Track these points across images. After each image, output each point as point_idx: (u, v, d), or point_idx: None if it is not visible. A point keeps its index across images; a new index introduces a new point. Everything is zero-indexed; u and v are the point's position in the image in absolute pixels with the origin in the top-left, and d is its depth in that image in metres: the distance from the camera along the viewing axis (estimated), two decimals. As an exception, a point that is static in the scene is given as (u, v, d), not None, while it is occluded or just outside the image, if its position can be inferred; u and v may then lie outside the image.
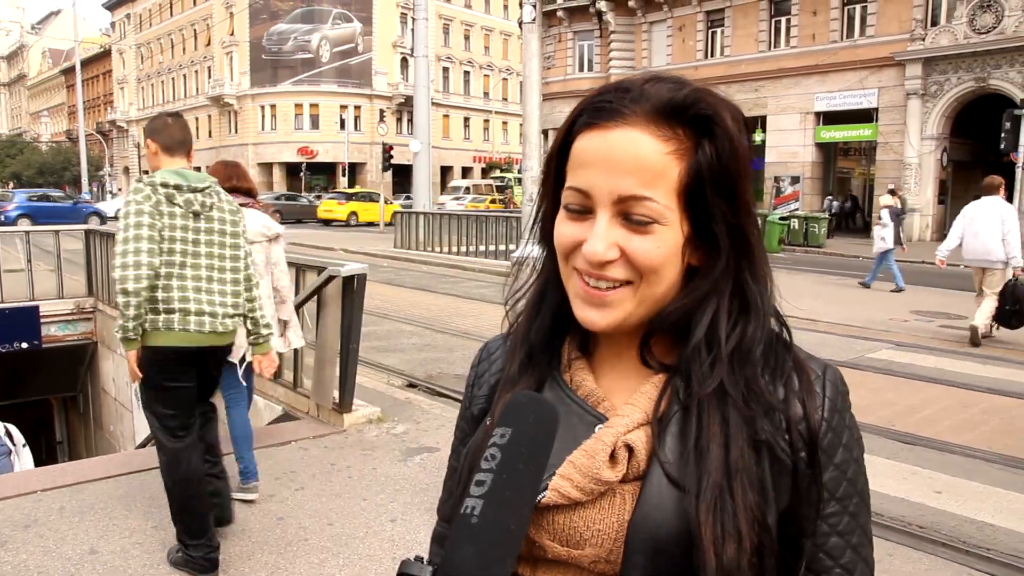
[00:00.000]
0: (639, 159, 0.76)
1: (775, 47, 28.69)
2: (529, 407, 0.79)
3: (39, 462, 7.66)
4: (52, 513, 3.92)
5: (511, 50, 61.73)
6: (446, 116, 59.42)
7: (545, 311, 0.89)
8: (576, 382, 0.87)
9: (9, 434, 6.72)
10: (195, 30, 61.09)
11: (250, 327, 3.67)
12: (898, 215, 14.30)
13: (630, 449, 0.79)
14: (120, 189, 62.18)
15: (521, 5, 10.49)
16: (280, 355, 4.95)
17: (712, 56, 30.55)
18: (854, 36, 26.59)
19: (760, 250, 0.83)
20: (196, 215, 3.39)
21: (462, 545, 0.74)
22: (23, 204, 30.97)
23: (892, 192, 15.10)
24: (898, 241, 14.14)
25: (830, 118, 27.54)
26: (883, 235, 14.01)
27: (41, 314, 9.76)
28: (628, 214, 0.77)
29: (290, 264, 6.24)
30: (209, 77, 58.78)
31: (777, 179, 28.56)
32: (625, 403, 0.83)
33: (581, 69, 34.48)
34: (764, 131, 28.88)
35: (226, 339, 3.52)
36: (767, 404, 0.79)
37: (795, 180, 28.31)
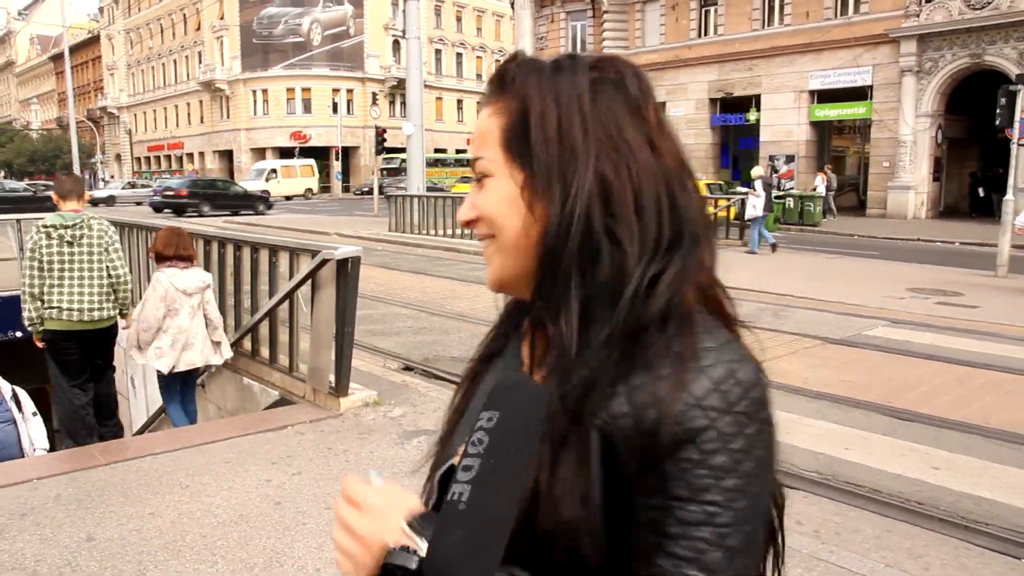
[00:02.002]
0: (477, 128, 0.89)
1: (769, 25, 28.53)
2: (517, 389, 0.78)
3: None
4: (48, 501, 3.90)
5: (503, 31, 61.33)
6: (439, 98, 59.14)
7: None
8: (524, 346, 0.91)
9: (17, 399, 6.52)
10: (184, 14, 60.56)
11: (121, 309, 5.72)
12: (769, 185, 16.32)
13: None
14: (112, 176, 61.86)
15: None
16: (272, 343, 6.27)
17: (706, 35, 30.38)
18: (848, 13, 26.45)
19: (586, 202, 0.79)
20: (69, 243, 5.31)
21: (449, 532, 0.73)
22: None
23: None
24: (768, 208, 16.16)
25: (824, 96, 27.44)
26: (754, 203, 15.69)
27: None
28: (477, 176, 0.87)
29: (284, 248, 6.23)
30: (200, 62, 58.36)
31: (772, 158, 28.49)
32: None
33: (574, 49, 34.26)
34: (759, 110, 28.78)
35: (97, 324, 5.52)
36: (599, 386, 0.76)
37: (790, 159, 28.24)
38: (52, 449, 6.50)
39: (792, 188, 26.13)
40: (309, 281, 5.54)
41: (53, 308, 5.36)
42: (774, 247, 15.99)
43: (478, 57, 63.05)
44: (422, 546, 0.74)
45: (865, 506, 4.09)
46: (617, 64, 0.87)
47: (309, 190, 47.01)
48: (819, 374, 6.70)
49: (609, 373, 0.76)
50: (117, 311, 5.66)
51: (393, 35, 53.97)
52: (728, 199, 19.42)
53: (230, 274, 7.01)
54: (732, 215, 18.75)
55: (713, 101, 30.50)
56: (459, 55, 62.39)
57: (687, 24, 30.69)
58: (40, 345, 5.61)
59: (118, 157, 70.51)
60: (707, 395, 0.73)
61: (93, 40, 75.28)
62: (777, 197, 22.65)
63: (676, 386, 0.73)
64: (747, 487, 0.73)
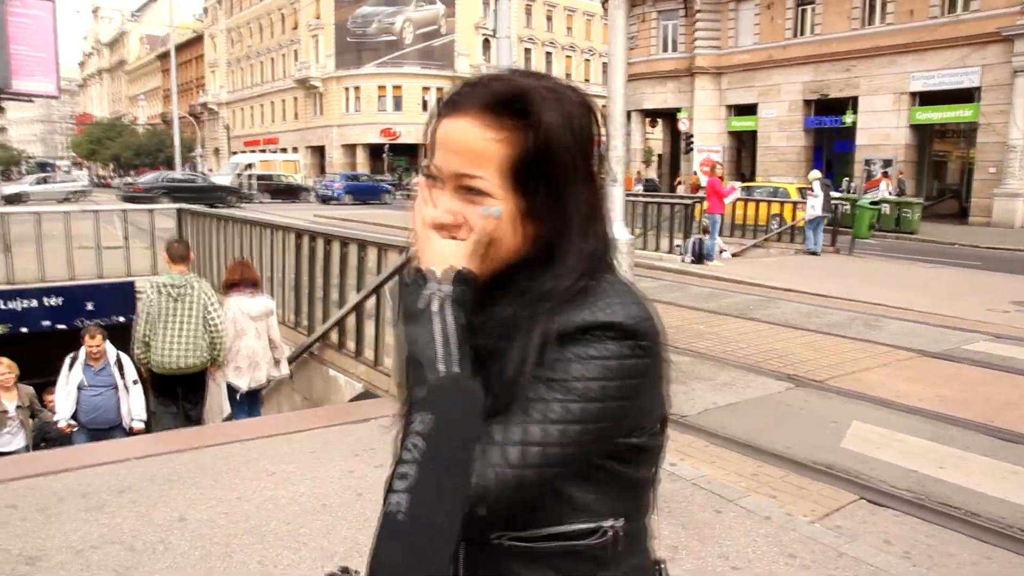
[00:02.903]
0: (465, 143, 0.93)
1: (869, 24, 27.52)
2: (451, 388, 0.75)
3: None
4: (144, 480, 4.07)
5: (594, 31, 61.06)
6: (528, 97, 59.22)
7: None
8: None
9: (120, 364, 6.75)
10: (283, 14, 62.45)
11: (214, 355, 6.28)
12: (828, 186, 16.41)
13: None
14: (211, 169, 64.34)
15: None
16: (359, 336, 6.57)
17: (802, 34, 29.52)
18: (956, 11, 25.27)
19: (588, 222, 0.97)
20: (175, 298, 6.11)
21: (388, 546, 0.70)
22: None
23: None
24: (827, 209, 16.06)
25: (927, 98, 26.29)
26: (813, 204, 15.91)
27: (136, 289, 10.18)
28: (464, 188, 0.94)
29: (372, 244, 6.34)
30: (296, 60, 60.07)
31: (868, 162, 27.50)
32: None
33: (665, 49, 33.83)
34: (855, 112, 27.80)
35: (189, 370, 6.21)
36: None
37: (887, 163, 27.19)
38: (148, 422, 6.81)
39: (889, 193, 25.13)
40: (396, 276, 5.63)
41: (156, 354, 6.18)
42: (813, 253, 16.13)
43: (567, 56, 62.89)
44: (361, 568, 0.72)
45: (961, 529, 3.90)
46: (585, 96, 1.00)
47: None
48: (913, 388, 6.43)
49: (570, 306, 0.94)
50: (209, 358, 6.31)
51: (483, 34, 54.33)
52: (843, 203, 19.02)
53: (320, 268, 7.19)
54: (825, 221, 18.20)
55: (808, 103, 29.62)
56: (548, 54, 62.40)
57: (782, 23, 29.89)
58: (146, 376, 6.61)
59: (216, 151, 73.23)
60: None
61: (197, 39, 78.45)
62: (872, 203, 21.87)
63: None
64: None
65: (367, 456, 4.49)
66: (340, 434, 4.88)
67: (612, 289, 0.96)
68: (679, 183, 33.97)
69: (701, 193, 18.48)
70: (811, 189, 16.39)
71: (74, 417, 6.58)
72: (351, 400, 6.26)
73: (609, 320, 0.91)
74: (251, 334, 6.33)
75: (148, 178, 36.71)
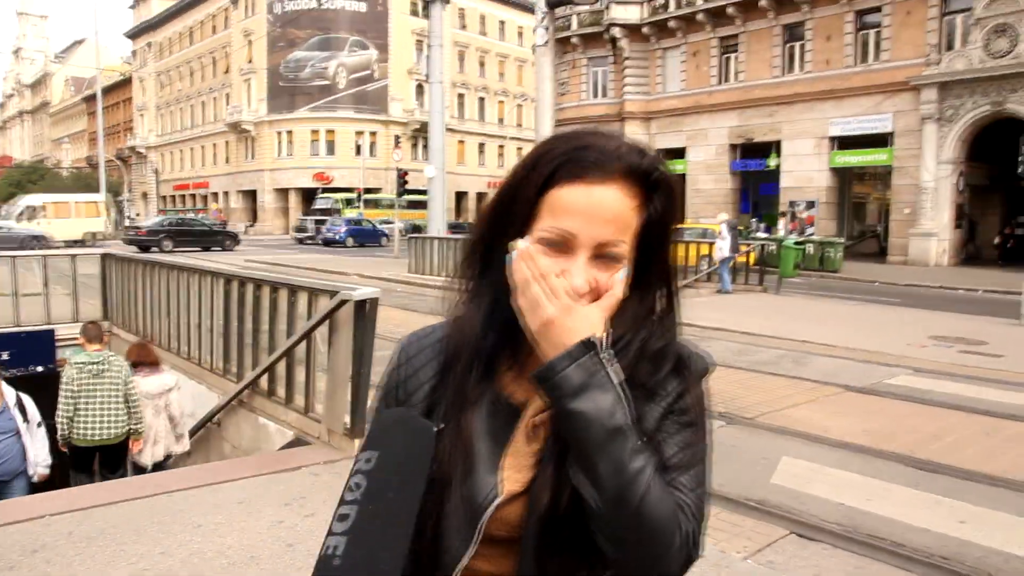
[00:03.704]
0: (617, 212, 0.95)
1: (789, 72, 28.74)
2: (398, 427, 0.75)
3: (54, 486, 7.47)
4: (60, 538, 3.88)
5: (526, 76, 62.12)
6: (461, 142, 59.77)
7: (497, 327, 1.01)
8: (511, 388, 1.01)
9: (22, 406, 6.31)
10: (214, 58, 61.95)
11: (132, 427, 6.61)
12: (734, 228, 17.69)
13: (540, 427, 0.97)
14: (138, 214, 62.81)
15: (535, 30, 10.55)
16: (289, 382, 6.45)
17: (726, 81, 30.63)
18: (868, 61, 26.61)
19: (675, 278, 1.05)
20: (95, 375, 6.46)
21: None
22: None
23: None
24: (735, 250, 17.27)
25: (845, 143, 27.48)
26: (721, 246, 16.90)
27: (56, 337, 9.79)
28: (602, 255, 0.95)
29: (303, 288, 6.25)
30: (227, 104, 59.50)
31: (792, 204, 28.47)
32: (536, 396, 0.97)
33: (595, 95, 34.65)
34: (779, 155, 28.85)
35: (113, 440, 6.51)
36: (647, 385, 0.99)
37: (810, 205, 28.20)
38: (54, 465, 6.45)
39: (812, 234, 26.05)
40: (327, 321, 5.55)
41: (79, 428, 6.47)
42: (726, 292, 16.87)
43: (500, 101, 63.79)
44: None
45: (889, 560, 3.99)
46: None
47: (93, 234, 36.18)
48: (840, 422, 6.60)
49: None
50: (129, 429, 6.64)
51: (417, 79, 54.81)
52: (748, 245, 19.42)
53: (249, 312, 7.04)
54: (752, 260, 18.74)
55: (733, 147, 30.63)
56: (481, 99, 63.14)
57: (707, 71, 30.97)
58: (64, 450, 6.70)
59: (144, 195, 71.63)
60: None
61: (125, 82, 77.13)
62: (796, 243, 22.64)
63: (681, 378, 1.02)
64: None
65: (297, 505, 4.37)
66: (269, 483, 4.75)
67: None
68: None
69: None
70: (720, 232, 17.14)
71: None
72: (281, 448, 6.10)
73: (710, 363, 1.04)
74: (149, 412, 6.78)
75: (152, 222, 37.12)
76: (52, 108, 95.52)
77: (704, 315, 12.44)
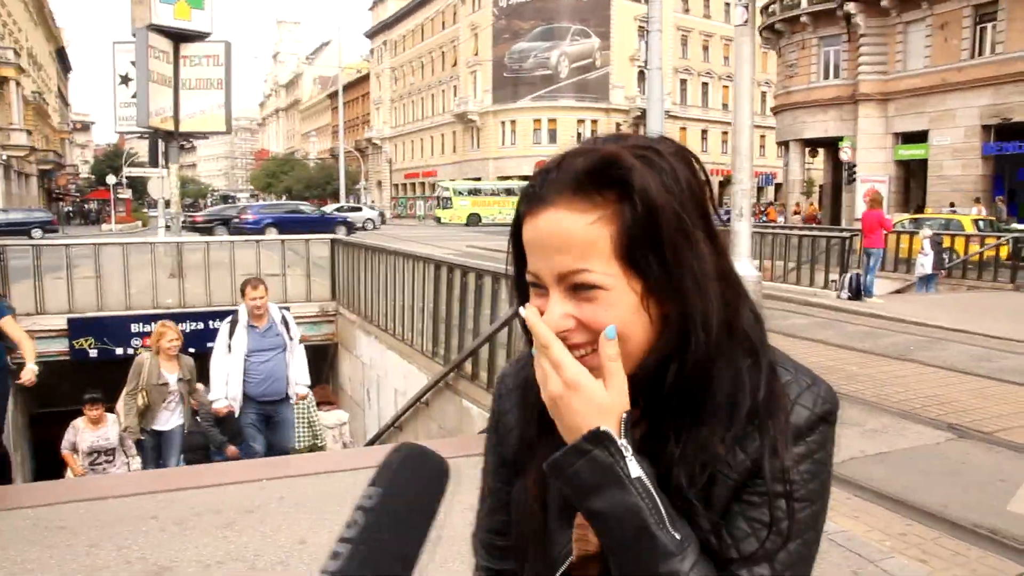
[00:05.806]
0: (566, 236, 0.79)
1: (1061, 41, 25.28)
2: (407, 464, 0.66)
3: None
4: (272, 501, 4.23)
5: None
6: (683, 128, 58.54)
7: None
8: None
9: (286, 324, 6.32)
10: (443, 52, 65.12)
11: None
12: (939, 243, 16.01)
13: None
14: (373, 201, 67.58)
15: (735, 8, 10.01)
16: (491, 367, 5.90)
17: (980, 55, 27.51)
18: None
19: (716, 289, 0.80)
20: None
21: None
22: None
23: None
24: (939, 267, 15.78)
25: None
26: (923, 262, 15.38)
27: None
28: (572, 286, 0.80)
29: (507, 276, 6.37)
30: (454, 95, 62.35)
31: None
32: None
33: (827, 76, 32.45)
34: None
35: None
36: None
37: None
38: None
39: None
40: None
41: None
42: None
43: (724, 87, 61.68)
44: None
45: None
46: (679, 145, 0.85)
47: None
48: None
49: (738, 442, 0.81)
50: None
51: (638, 66, 54.35)
52: (998, 237, 17.43)
53: (457, 297, 7.31)
54: (1005, 254, 16.79)
55: (986, 128, 27.48)
56: (705, 84, 61.53)
57: (957, 44, 27.95)
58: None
59: (379, 184, 76.92)
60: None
61: (363, 78, 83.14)
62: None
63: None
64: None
65: (487, 489, 4.46)
66: (468, 464, 4.88)
67: (788, 362, 0.86)
68: (796, 212, 32.60)
69: (857, 225, 17.51)
70: (922, 248, 15.42)
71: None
72: (482, 432, 6.27)
73: (829, 408, 0.85)
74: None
75: (207, 212, 43.67)
76: (302, 105, 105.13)
77: (939, 314, 11.32)
